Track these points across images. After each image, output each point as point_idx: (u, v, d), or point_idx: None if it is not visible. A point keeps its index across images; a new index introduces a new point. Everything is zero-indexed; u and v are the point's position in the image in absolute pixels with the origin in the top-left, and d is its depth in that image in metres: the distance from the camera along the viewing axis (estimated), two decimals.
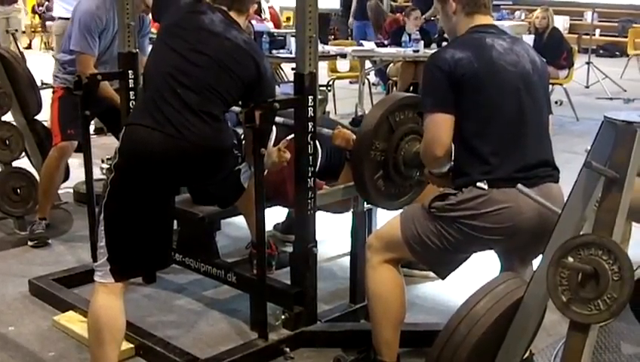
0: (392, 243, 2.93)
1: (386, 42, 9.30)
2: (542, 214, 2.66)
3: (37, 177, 4.90)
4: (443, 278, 2.98)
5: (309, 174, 3.22)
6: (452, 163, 2.83)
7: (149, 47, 4.49)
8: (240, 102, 3.14)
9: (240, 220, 3.76)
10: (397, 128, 3.15)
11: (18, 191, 4.89)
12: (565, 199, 2.31)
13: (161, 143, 2.89)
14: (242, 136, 3.40)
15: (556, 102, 9.46)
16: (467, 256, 2.93)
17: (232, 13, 3.12)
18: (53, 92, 4.73)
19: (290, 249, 3.58)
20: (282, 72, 9.46)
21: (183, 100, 2.92)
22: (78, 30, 4.42)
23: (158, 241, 3.06)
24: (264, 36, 7.89)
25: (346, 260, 3.77)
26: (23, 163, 5.10)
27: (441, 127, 2.73)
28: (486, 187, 2.69)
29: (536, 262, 2.47)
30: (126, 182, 2.92)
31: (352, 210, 3.55)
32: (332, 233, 4.33)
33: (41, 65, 5.22)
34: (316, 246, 3.34)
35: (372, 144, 3.11)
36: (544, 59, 3.02)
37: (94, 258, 3.25)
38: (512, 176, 2.68)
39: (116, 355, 2.94)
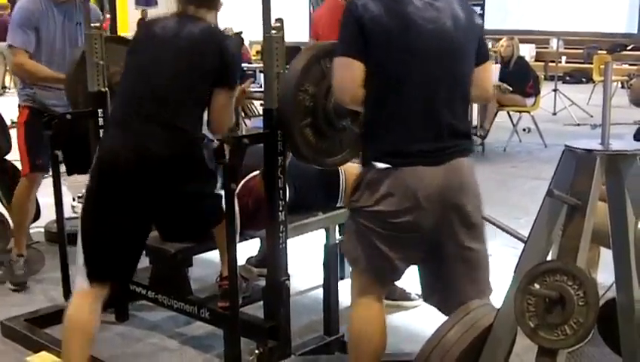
0: (354, 274, 2.90)
1: None
2: (445, 186, 2.62)
3: (7, 217, 4.88)
4: (386, 286, 2.89)
5: (280, 208, 3.24)
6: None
7: None
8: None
9: (212, 256, 3.76)
10: (328, 75, 2.99)
11: None
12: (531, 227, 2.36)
13: (129, 156, 3.03)
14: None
15: (524, 130, 9.60)
16: (404, 256, 2.76)
17: (202, 11, 3.20)
18: (19, 113, 4.63)
19: (262, 282, 3.58)
20: (253, 106, 9.50)
21: (151, 115, 3.05)
22: (12, 25, 4.46)
23: (132, 248, 3.18)
24: None
25: (319, 292, 3.78)
26: None
27: (346, 71, 2.64)
28: (381, 166, 2.62)
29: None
30: (100, 191, 3.09)
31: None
32: (304, 266, 4.35)
33: (10, 104, 5.21)
34: (289, 280, 3.35)
35: (301, 85, 3.02)
36: (475, 11, 2.85)
37: (66, 297, 3.28)
38: (416, 151, 2.61)
39: (85, 355, 3.09)
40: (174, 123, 3.06)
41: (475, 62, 2.76)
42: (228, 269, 3.28)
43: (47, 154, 4.46)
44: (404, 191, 2.61)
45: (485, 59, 2.83)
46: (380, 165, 2.63)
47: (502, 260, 4.65)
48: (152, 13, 16.00)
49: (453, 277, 2.78)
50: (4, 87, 14.53)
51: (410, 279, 3.04)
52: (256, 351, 3.38)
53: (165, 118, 3.05)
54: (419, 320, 3.92)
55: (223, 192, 3.28)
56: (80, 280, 3.11)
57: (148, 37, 3.23)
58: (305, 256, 4.19)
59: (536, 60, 15.31)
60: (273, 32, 3.16)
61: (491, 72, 2.91)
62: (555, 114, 11.26)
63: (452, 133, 2.66)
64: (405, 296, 4.16)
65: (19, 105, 4.67)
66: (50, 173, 3.99)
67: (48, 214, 4.97)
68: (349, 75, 2.64)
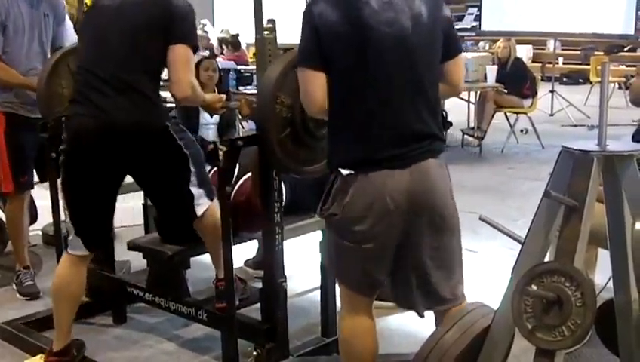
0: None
1: None
2: (412, 189, 2.58)
3: (3, 218, 4.86)
4: (369, 296, 2.80)
5: (276, 210, 3.24)
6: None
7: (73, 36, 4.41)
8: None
9: (209, 258, 3.75)
10: None
11: None
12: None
13: (91, 128, 3.16)
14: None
15: (521, 131, 9.61)
16: (377, 266, 2.72)
17: None
18: None
19: (260, 284, 3.58)
20: None
21: (107, 83, 3.15)
22: None
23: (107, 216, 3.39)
24: (231, 73, 7.94)
25: (317, 294, 3.78)
26: None
27: (311, 83, 2.62)
28: (345, 172, 2.60)
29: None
30: (73, 166, 3.27)
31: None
32: (302, 267, 4.34)
33: None
34: (286, 282, 3.35)
35: (277, 97, 2.98)
36: (442, 2, 2.73)
37: None
38: (380, 157, 2.57)
39: (70, 315, 3.43)
40: (132, 85, 3.14)
41: (443, 56, 2.72)
42: (224, 271, 3.29)
43: (30, 169, 4.42)
44: (371, 196, 2.58)
45: (455, 53, 2.77)
46: (345, 172, 2.61)
47: (499, 261, 4.67)
48: None
49: (424, 278, 2.74)
50: None
51: None
52: (254, 353, 3.38)
53: (122, 82, 3.14)
54: (416, 321, 3.89)
55: (195, 191, 3.33)
56: (70, 249, 3.38)
57: (97, 7, 3.34)
58: (302, 258, 4.18)
59: (533, 61, 15.32)
60: (265, 33, 3.16)
61: (462, 66, 2.84)
62: (552, 115, 11.27)
63: (417, 135, 2.62)
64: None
65: None
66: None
67: (46, 217, 4.96)
68: (313, 87, 2.63)
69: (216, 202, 3.38)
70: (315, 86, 2.62)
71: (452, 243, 2.76)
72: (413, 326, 3.89)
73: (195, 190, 3.34)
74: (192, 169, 3.31)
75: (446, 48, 2.71)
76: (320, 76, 2.60)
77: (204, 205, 3.38)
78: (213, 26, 14.53)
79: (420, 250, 2.69)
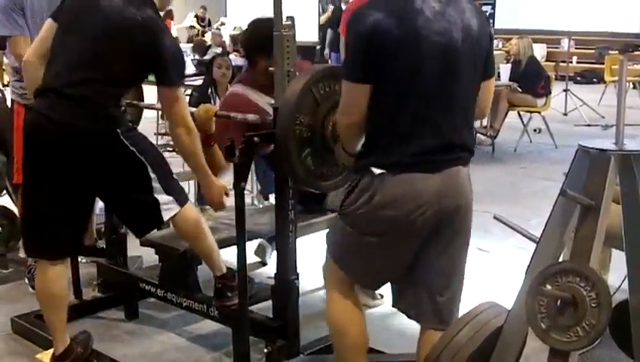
0: (330, 267, 2.91)
1: None
2: (441, 193, 2.61)
3: (17, 214, 4.87)
4: (371, 288, 2.82)
5: (290, 207, 3.23)
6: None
7: None
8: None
9: (221, 255, 3.75)
10: (322, 101, 3.06)
11: None
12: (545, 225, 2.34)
13: (42, 125, 3.14)
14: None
15: (535, 130, 9.57)
16: (390, 265, 2.78)
17: None
18: (13, 110, 4.38)
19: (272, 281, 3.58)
20: None
21: (58, 90, 3.12)
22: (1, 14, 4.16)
23: (61, 222, 3.24)
24: (243, 70, 7.93)
25: None
26: (4, 201, 5.09)
27: (353, 94, 2.62)
28: (377, 171, 2.61)
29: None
30: (27, 163, 3.26)
31: None
32: (312, 264, 4.33)
33: None
34: (298, 279, 3.34)
35: (296, 118, 3.01)
36: (488, 19, 2.75)
37: (76, 295, 3.34)
38: (413, 161, 2.59)
39: (59, 316, 3.35)
40: (84, 95, 3.09)
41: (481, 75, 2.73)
42: (237, 268, 3.28)
43: None
44: (399, 197, 2.60)
45: (488, 75, 2.77)
46: (377, 171, 2.62)
47: (512, 261, 4.65)
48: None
49: (426, 282, 2.77)
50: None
51: None
52: (265, 350, 3.38)
53: (75, 91, 3.09)
54: None
55: (162, 198, 3.29)
56: None
57: (74, 11, 3.25)
58: (313, 255, 4.17)
59: (547, 60, 15.24)
60: (284, 30, 3.15)
61: (492, 90, 2.86)
62: (565, 114, 11.21)
63: (451, 145, 2.65)
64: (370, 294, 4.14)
65: (12, 101, 4.43)
66: None
67: None
68: (356, 101, 2.62)
69: (189, 206, 3.40)
70: (358, 98, 2.61)
71: (461, 254, 2.81)
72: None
73: (160, 197, 3.30)
74: (152, 175, 3.26)
75: (483, 67, 2.72)
76: (365, 89, 2.60)
77: (173, 210, 3.33)
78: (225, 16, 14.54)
79: (432, 253, 2.73)
